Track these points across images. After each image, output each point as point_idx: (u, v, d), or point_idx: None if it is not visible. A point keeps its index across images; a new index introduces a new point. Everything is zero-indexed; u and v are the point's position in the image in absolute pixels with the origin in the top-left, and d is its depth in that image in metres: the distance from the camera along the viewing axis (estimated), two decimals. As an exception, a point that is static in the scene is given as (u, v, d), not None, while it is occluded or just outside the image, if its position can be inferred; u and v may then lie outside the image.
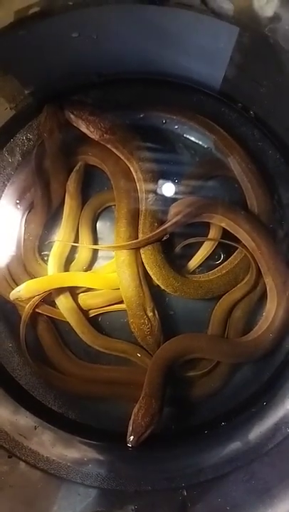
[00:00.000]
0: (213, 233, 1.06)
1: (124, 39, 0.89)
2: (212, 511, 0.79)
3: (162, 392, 0.94)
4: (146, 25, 0.83)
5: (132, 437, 0.89)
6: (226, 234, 1.05)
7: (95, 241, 1.08)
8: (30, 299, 1.00)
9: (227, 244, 1.05)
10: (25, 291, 0.99)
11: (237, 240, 1.04)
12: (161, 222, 1.00)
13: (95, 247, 1.07)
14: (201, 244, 1.07)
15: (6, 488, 0.80)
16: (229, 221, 1.02)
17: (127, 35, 0.88)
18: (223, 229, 1.05)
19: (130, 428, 0.90)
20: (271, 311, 1.01)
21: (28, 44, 0.82)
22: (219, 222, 1.04)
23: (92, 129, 0.99)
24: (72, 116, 0.99)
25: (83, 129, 1.00)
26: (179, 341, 1.01)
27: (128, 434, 0.90)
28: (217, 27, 0.76)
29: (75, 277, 1.04)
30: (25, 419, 0.98)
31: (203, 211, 1.02)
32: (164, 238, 1.01)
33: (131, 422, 0.91)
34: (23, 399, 1.01)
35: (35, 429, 0.98)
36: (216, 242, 1.06)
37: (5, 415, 0.96)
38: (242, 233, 1.02)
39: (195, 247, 1.07)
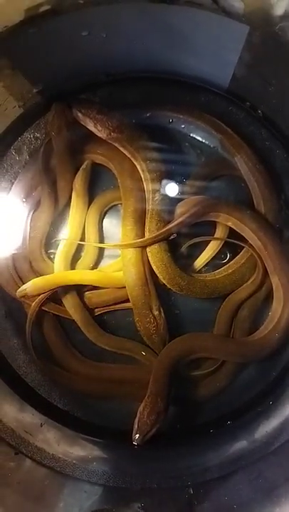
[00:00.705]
0: (219, 232, 1.06)
1: (133, 38, 0.89)
2: (218, 509, 0.79)
3: (168, 391, 0.95)
4: (155, 23, 0.83)
5: (137, 435, 0.89)
6: (232, 233, 1.05)
7: (102, 239, 1.09)
8: (36, 296, 1.00)
9: (233, 243, 1.05)
10: (31, 288, 0.99)
11: (243, 240, 1.04)
12: (168, 221, 1.00)
13: (102, 245, 1.07)
14: (207, 243, 1.07)
15: (14, 484, 0.80)
16: (235, 220, 1.02)
17: (136, 33, 0.88)
18: (230, 228, 1.05)
19: (136, 426, 0.91)
20: (277, 310, 1.01)
21: (37, 42, 0.82)
22: (225, 221, 1.04)
23: (99, 128, 0.99)
24: (79, 114, 0.99)
25: (91, 127, 1.00)
26: (184, 340, 1.01)
27: (134, 432, 0.90)
28: (227, 26, 0.76)
29: (81, 275, 1.04)
30: (31, 417, 0.98)
31: (209, 210, 1.02)
32: (172, 237, 1.01)
33: (136, 420, 0.91)
34: (29, 396, 1.02)
35: (41, 426, 0.98)
36: (223, 242, 1.06)
37: (11, 412, 0.96)
38: (248, 232, 1.02)
39: (201, 246, 1.07)
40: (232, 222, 1.03)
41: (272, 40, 0.74)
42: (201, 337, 1.04)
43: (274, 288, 1.02)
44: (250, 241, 1.02)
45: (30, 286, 0.99)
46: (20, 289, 1.00)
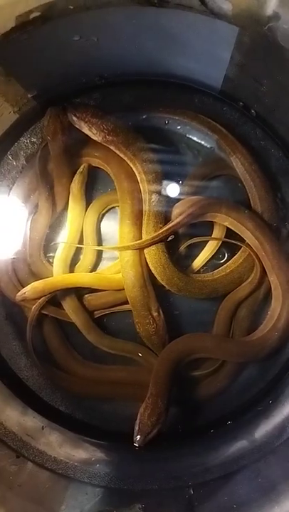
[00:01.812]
0: (216, 232, 1.07)
1: (124, 41, 0.89)
2: (219, 509, 0.79)
3: (168, 392, 0.95)
4: (146, 27, 0.84)
5: (138, 437, 0.90)
6: (229, 233, 1.05)
7: (100, 242, 1.09)
8: (36, 300, 1.01)
9: (231, 243, 1.05)
10: (31, 292, 1.00)
11: (241, 239, 1.04)
12: (165, 223, 1.01)
13: (100, 248, 1.08)
14: (205, 243, 1.08)
15: (15, 487, 0.81)
16: (233, 220, 1.03)
17: (128, 37, 0.88)
18: (227, 228, 1.05)
19: (137, 428, 0.91)
20: (276, 309, 1.01)
21: (30, 48, 0.83)
22: (223, 221, 1.04)
23: (94, 131, 1.00)
24: (74, 118, 1.00)
25: (86, 131, 1.00)
26: (184, 341, 1.01)
27: (135, 433, 0.90)
28: (217, 27, 0.76)
29: (80, 278, 1.05)
30: (32, 420, 0.99)
31: (206, 210, 1.02)
32: (170, 239, 1.02)
33: (137, 421, 0.91)
34: (31, 400, 1.02)
35: (43, 429, 0.98)
36: (220, 242, 1.06)
37: (13, 416, 0.97)
38: (245, 232, 1.02)
39: (199, 246, 1.08)
40: (229, 222, 1.04)
41: (262, 40, 0.74)
42: (200, 337, 1.04)
43: (272, 287, 1.02)
44: (247, 240, 1.03)
45: (30, 289, 1.00)
46: (19, 293, 1.00)
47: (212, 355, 1.03)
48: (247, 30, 0.75)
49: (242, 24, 0.74)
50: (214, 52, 0.86)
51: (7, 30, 0.74)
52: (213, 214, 1.03)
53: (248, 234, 1.02)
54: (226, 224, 1.04)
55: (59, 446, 0.95)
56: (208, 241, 1.07)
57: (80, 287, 1.05)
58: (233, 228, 1.04)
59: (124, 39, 0.88)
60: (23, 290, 1.01)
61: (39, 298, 1.01)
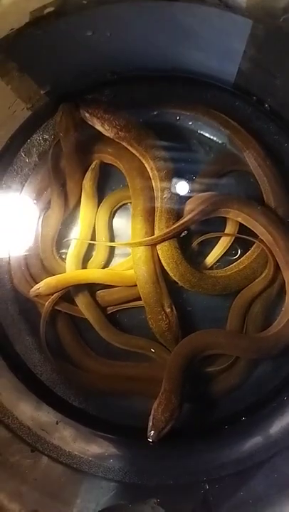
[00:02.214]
0: (229, 228, 1.06)
1: (137, 36, 0.89)
2: (234, 504, 0.79)
3: (181, 388, 0.94)
4: (159, 20, 0.84)
5: (152, 432, 0.90)
6: (242, 229, 1.04)
7: (112, 238, 1.09)
8: (49, 295, 1.01)
9: (244, 239, 1.04)
10: (44, 288, 1.00)
11: (254, 235, 1.03)
12: (177, 219, 1.00)
13: (112, 244, 1.08)
14: (218, 240, 1.07)
15: (31, 481, 0.81)
16: (245, 216, 1.02)
17: (140, 31, 0.88)
18: (240, 224, 1.04)
19: (150, 423, 0.91)
20: (291, 305, 1.00)
21: (43, 44, 0.83)
22: (236, 217, 1.03)
23: (107, 127, 1.00)
24: (87, 114, 1.00)
25: (98, 127, 1.00)
26: (197, 337, 1.01)
27: (148, 429, 0.90)
28: (230, 20, 0.75)
29: (93, 274, 1.05)
30: (47, 415, 0.99)
31: (219, 206, 1.02)
32: (183, 234, 1.02)
33: (151, 417, 0.91)
34: (45, 395, 1.03)
35: (57, 424, 0.99)
36: (233, 238, 1.06)
37: (27, 411, 0.97)
38: (259, 227, 1.01)
39: (212, 242, 1.07)
40: (242, 218, 1.03)
41: (276, 32, 0.74)
42: (213, 334, 1.04)
43: (286, 282, 1.01)
44: (260, 236, 1.02)
45: (44, 285, 1.00)
46: (33, 289, 1.01)
47: (226, 352, 1.03)
48: (261, 23, 0.75)
49: (256, 17, 0.73)
50: (227, 46, 0.86)
51: (21, 26, 0.74)
52: (225, 210, 1.03)
53: (261, 229, 1.01)
54: (239, 220, 1.03)
55: (73, 440, 0.96)
56: (221, 237, 1.07)
57: (93, 283, 1.05)
58: (246, 224, 1.03)
59: (136, 34, 0.88)
60: (37, 286, 1.01)
61: (52, 294, 1.01)
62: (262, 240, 1.02)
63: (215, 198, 1.02)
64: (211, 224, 1.05)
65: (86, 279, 1.04)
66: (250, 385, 1.04)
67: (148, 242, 1.00)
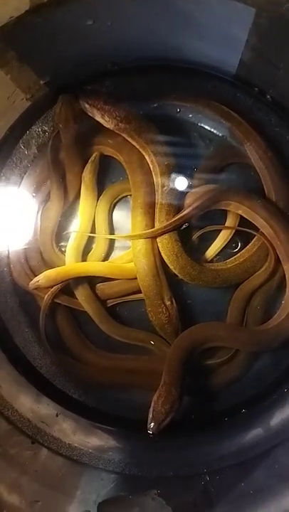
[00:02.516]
0: (230, 221, 1.06)
1: (138, 25, 0.88)
2: (235, 495, 0.79)
3: (181, 381, 0.94)
4: (160, 9, 0.83)
5: (152, 424, 0.90)
6: (243, 222, 1.04)
7: (112, 231, 1.09)
8: (48, 288, 1.01)
9: (244, 232, 1.04)
10: (44, 280, 1.00)
11: (255, 228, 1.03)
12: (178, 211, 1.00)
13: (112, 236, 1.07)
14: (218, 232, 1.07)
15: (31, 472, 0.81)
16: (246, 208, 1.01)
17: (142, 20, 0.87)
18: (241, 217, 1.04)
19: (150, 415, 0.91)
20: (291, 298, 1.00)
21: (43, 33, 0.82)
22: (236, 209, 1.03)
23: (107, 119, 0.99)
24: (86, 105, 0.99)
25: (98, 118, 1.00)
26: (197, 330, 1.01)
27: (148, 421, 0.90)
28: (233, 8, 0.74)
29: (93, 267, 1.04)
30: (46, 407, 0.99)
31: (219, 199, 1.02)
32: (184, 227, 1.01)
33: (151, 409, 0.91)
34: (45, 387, 1.02)
35: (57, 416, 0.99)
36: (234, 230, 1.05)
37: (27, 403, 0.97)
38: (259, 220, 1.01)
39: (212, 235, 1.06)
40: (243, 211, 1.02)
41: (279, 21, 0.73)
42: (213, 326, 1.03)
43: (287, 275, 1.01)
44: (261, 229, 1.02)
45: (43, 278, 1.00)
46: (32, 281, 1.01)
47: (226, 345, 1.03)
48: (264, 11, 0.74)
49: (259, 5, 0.73)
50: (230, 35, 0.85)
51: (21, 14, 0.73)
52: (226, 202, 1.03)
53: (262, 222, 1.01)
54: (240, 212, 1.03)
55: (73, 433, 0.96)
56: (221, 230, 1.06)
57: (93, 276, 1.05)
58: (246, 217, 1.03)
59: (137, 23, 0.87)
60: (36, 278, 1.01)
61: (52, 286, 1.01)
62: (262, 233, 1.02)
63: (215, 190, 1.01)
64: (211, 217, 1.04)
65: (86, 271, 1.03)
66: (251, 377, 1.04)
67: (148, 234, 0.99)
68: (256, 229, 1.02)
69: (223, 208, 1.04)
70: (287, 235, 0.99)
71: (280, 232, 0.99)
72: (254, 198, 1.02)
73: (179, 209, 1.01)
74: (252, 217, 1.02)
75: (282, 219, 1.00)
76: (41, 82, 0.97)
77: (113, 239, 1.08)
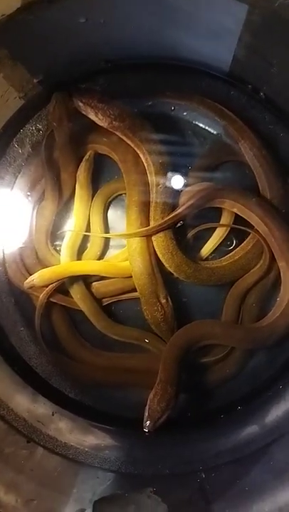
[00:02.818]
0: (225, 219, 1.06)
1: (131, 22, 0.88)
2: (231, 492, 0.80)
3: (177, 379, 0.95)
4: (153, 7, 0.82)
5: (148, 422, 0.90)
6: (238, 219, 1.04)
7: (107, 230, 1.08)
8: (44, 287, 1.01)
9: (239, 230, 1.04)
10: (39, 279, 0.99)
11: (250, 226, 1.03)
12: (172, 210, 1.00)
13: (107, 235, 1.07)
14: (213, 230, 1.07)
15: (27, 471, 0.81)
16: (241, 206, 1.01)
17: (135, 18, 0.86)
18: (236, 215, 1.04)
19: (146, 413, 0.91)
20: (285, 295, 1.00)
21: (35, 30, 0.82)
22: (231, 207, 1.03)
23: (100, 117, 0.98)
24: (80, 104, 0.99)
25: (92, 116, 0.99)
26: (192, 328, 1.01)
27: (144, 419, 0.90)
28: (226, 5, 0.74)
29: (88, 266, 1.04)
30: (42, 406, 0.99)
31: (214, 196, 1.01)
32: (179, 225, 1.01)
33: (147, 407, 0.91)
34: (41, 387, 1.02)
35: (53, 415, 0.99)
36: (229, 228, 1.05)
37: (23, 402, 0.97)
38: (254, 218, 1.01)
39: (207, 233, 1.06)
40: (237, 209, 1.02)
41: (272, 18, 0.73)
42: (209, 324, 1.03)
43: (281, 273, 1.01)
44: (256, 226, 1.02)
45: (38, 277, 1.00)
46: (27, 280, 1.00)
47: (221, 342, 1.03)
48: (257, 8, 0.73)
49: (251, 2, 0.72)
50: (223, 33, 0.84)
51: (13, 11, 0.73)
52: (221, 200, 1.02)
53: (256, 220, 1.00)
54: (234, 210, 1.03)
55: (69, 432, 0.96)
56: (216, 228, 1.06)
57: (88, 275, 1.04)
58: (241, 214, 1.03)
59: (130, 20, 0.87)
60: (31, 278, 1.00)
61: (47, 285, 1.01)
62: (257, 231, 1.02)
63: (210, 188, 1.01)
64: (206, 215, 1.04)
65: (81, 270, 1.03)
66: (246, 374, 1.04)
67: (143, 233, 0.99)
68: (251, 227, 1.03)
69: (218, 206, 1.04)
70: (282, 233, 1.00)
71: (275, 230, 0.99)
72: (248, 195, 1.02)
73: (173, 207, 1.01)
74: (247, 215, 1.02)
75: (276, 217, 1.00)
76: (34, 80, 0.97)
77: (108, 237, 1.07)
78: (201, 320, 1.04)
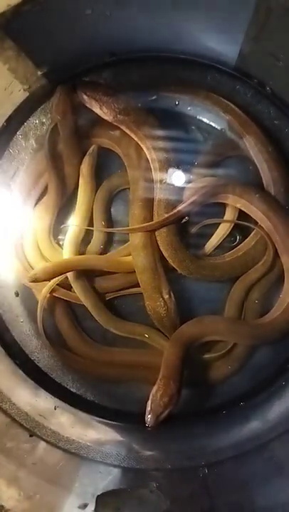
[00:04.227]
0: (228, 215, 1.05)
1: (137, 15, 0.87)
2: (233, 488, 0.80)
3: (180, 374, 0.94)
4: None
5: (150, 416, 0.89)
6: (241, 216, 1.03)
7: (110, 224, 1.08)
8: (46, 281, 1.00)
9: (243, 226, 1.04)
10: (41, 273, 0.99)
11: (254, 222, 1.02)
12: (176, 204, 0.99)
13: (110, 230, 1.07)
14: (217, 226, 1.06)
15: (29, 465, 0.81)
16: (245, 202, 1.01)
17: (141, 10, 0.86)
18: (239, 210, 1.03)
19: (148, 408, 0.91)
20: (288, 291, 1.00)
21: (41, 23, 0.81)
22: (235, 203, 1.03)
23: (105, 110, 0.98)
24: (85, 97, 0.98)
25: (96, 109, 0.98)
26: (195, 324, 1.00)
27: (146, 413, 0.90)
28: (233, -2, 0.74)
29: (91, 260, 1.04)
30: (44, 401, 0.99)
31: (218, 191, 1.01)
32: (184, 220, 1.01)
33: (149, 402, 0.91)
34: (43, 381, 1.02)
35: (55, 409, 0.99)
36: (232, 224, 1.05)
37: (25, 397, 0.97)
38: (258, 213, 1.00)
39: (211, 229, 1.06)
40: (241, 204, 1.02)
41: (279, 11, 0.72)
42: (212, 320, 1.03)
43: (285, 268, 1.01)
44: (260, 222, 1.01)
45: (41, 271, 0.99)
46: (30, 274, 0.99)
47: (224, 338, 1.03)
48: (264, 2, 0.73)
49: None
50: (229, 26, 0.84)
51: (19, 2, 0.72)
52: (225, 195, 1.02)
53: (260, 215, 1.00)
54: (238, 206, 1.03)
55: (71, 426, 0.96)
56: (220, 224, 1.06)
57: (91, 270, 1.04)
58: (245, 210, 1.02)
59: (137, 13, 0.86)
60: (34, 271, 1.00)
61: (49, 279, 1.00)
62: (261, 227, 1.01)
63: (214, 183, 1.01)
64: (210, 211, 1.04)
65: (84, 265, 1.03)
66: (248, 370, 1.04)
67: (147, 228, 0.99)
68: (255, 223, 1.02)
69: (222, 201, 1.03)
70: (286, 228, 0.99)
71: (279, 225, 0.99)
72: (252, 191, 1.01)
73: (177, 203, 1.00)
74: (250, 210, 1.01)
75: (280, 212, 1.00)
76: (39, 72, 0.96)
77: (110, 234, 1.07)
78: (203, 316, 1.03)
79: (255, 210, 1.01)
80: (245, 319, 1.04)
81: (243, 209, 1.02)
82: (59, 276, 1.01)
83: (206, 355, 1.04)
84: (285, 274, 1.01)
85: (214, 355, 1.03)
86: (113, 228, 1.08)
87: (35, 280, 0.99)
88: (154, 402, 0.90)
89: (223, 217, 1.06)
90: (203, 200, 1.00)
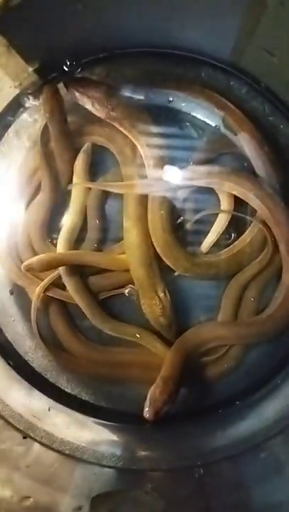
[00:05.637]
0: (225, 204, 1.03)
1: (130, 10, 0.87)
2: (230, 488, 0.79)
3: (180, 377, 0.94)
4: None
5: (148, 410, 0.89)
6: (237, 210, 1.02)
7: (104, 222, 1.06)
8: (40, 272, 0.99)
9: (238, 223, 1.03)
10: (37, 263, 0.98)
11: (249, 214, 1.01)
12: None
13: (96, 185, 1.04)
14: (213, 223, 1.05)
15: (23, 468, 0.80)
16: (241, 189, 0.99)
17: (134, 5, 0.85)
18: (235, 204, 1.02)
19: (148, 403, 0.90)
20: (286, 281, 0.99)
21: (32, 18, 0.80)
22: (231, 190, 1.01)
23: (97, 107, 0.97)
24: (77, 94, 0.97)
25: (88, 106, 0.98)
26: (201, 330, 1.00)
27: (145, 407, 0.90)
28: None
29: (86, 256, 1.03)
30: (38, 402, 0.98)
31: (214, 177, 0.99)
32: (179, 220, 1.01)
33: (148, 397, 0.91)
34: (37, 382, 1.01)
35: (49, 410, 0.98)
36: (228, 218, 1.03)
37: (18, 398, 0.96)
38: (255, 200, 0.98)
39: (206, 227, 1.05)
40: (238, 191, 1.00)
41: (274, 7, 0.71)
42: (211, 327, 1.02)
43: (282, 257, 0.99)
44: (257, 209, 1.00)
45: (37, 260, 0.98)
46: (26, 263, 0.98)
47: (228, 343, 1.01)
48: (258, -4, 0.72)
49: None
50: (223, 21, 0.83)
51: (8, -4, 0.71)
52: (220, 182, 1.00)
53: (257, 202, 0.99)
54: (234, 193, 1.01)
55: (66, 427, 0.95)
56: (216, 220, 1.04)
57: (85, 267, 1.03)
58: (241, 197, 1.00)
59: (130, 8, 0.85)
60: (30, 260, 0.98)
61: (43, 271, 0.99)
62: (257, 219, 1.00)
63: (210, 169, 1.00)
64: (205, 207, 1.03)
65: (78, 260, 1.02)
66: (245, 369, 1.04)
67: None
68: (251, 215, 1.01)
69: (218, 187, 1.01)
70: (284, 215, 0.97)
71: (276, 212, 0.97)
72: (250, 177, 0.99)
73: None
74: (247, 197, 0.99)
75: (277, 199, 0.98)
76: (30, 69, 0.95)
77: (105, 231, 1.05)
78: (206, 322, 1.03)
79: (252, 197, 0.98)
80: (241, 317, 1.03)
81: (239, 196, 1.00)
82: (52, 275, 1.00)
83: (203, 359, 1.03)
84: (283, 263, 0.99)
85: (212, 359, 1.02)
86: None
87: (30, 269, 0.98)
88: (154, 397, 0.90)
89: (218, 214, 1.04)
90: (199, 183, 0.99)
